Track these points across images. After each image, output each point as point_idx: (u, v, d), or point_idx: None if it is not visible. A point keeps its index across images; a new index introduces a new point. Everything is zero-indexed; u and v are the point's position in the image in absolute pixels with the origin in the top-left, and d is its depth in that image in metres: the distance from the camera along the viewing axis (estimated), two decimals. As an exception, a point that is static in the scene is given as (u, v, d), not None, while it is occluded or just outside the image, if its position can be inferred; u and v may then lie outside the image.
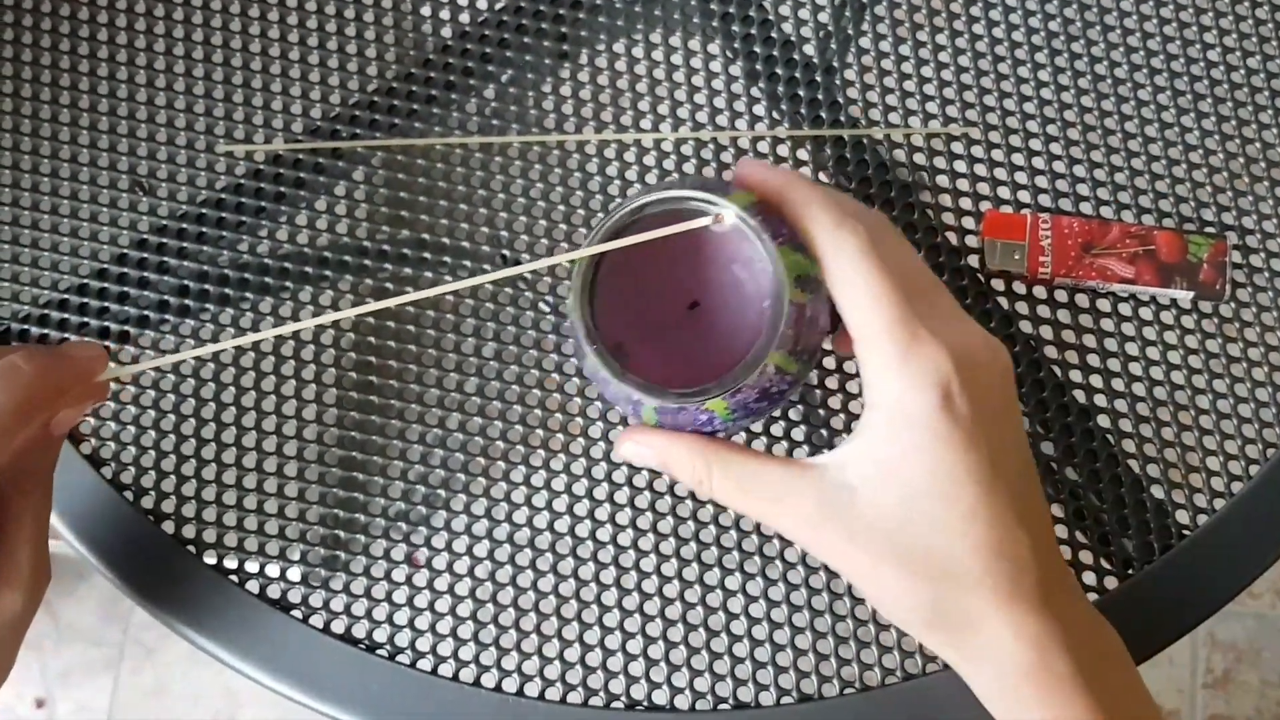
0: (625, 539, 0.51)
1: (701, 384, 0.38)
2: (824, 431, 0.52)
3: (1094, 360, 0.52)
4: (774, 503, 0.38)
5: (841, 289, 0.37)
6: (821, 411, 0.52)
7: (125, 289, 0.53)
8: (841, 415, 0.52)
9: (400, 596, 0.51)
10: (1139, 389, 0.52)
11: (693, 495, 0.51)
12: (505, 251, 0.54)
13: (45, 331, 0.53)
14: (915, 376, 0.36)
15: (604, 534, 0.51)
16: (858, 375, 0.53)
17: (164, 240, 0.54)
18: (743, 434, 0.52)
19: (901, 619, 0.39)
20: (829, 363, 0.52)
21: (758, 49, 0.56)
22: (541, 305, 0.53)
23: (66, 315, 0.53)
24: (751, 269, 0.40)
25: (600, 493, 0.51)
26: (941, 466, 0.36)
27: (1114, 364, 0.52)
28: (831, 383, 0.52)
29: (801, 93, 0.55)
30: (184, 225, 0.54)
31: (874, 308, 0.36)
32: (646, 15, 0.56)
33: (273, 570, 0.51)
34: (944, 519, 0.36)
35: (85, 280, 0.54)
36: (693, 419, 0.38)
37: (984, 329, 0.39)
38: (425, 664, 0.50)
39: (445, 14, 0.57)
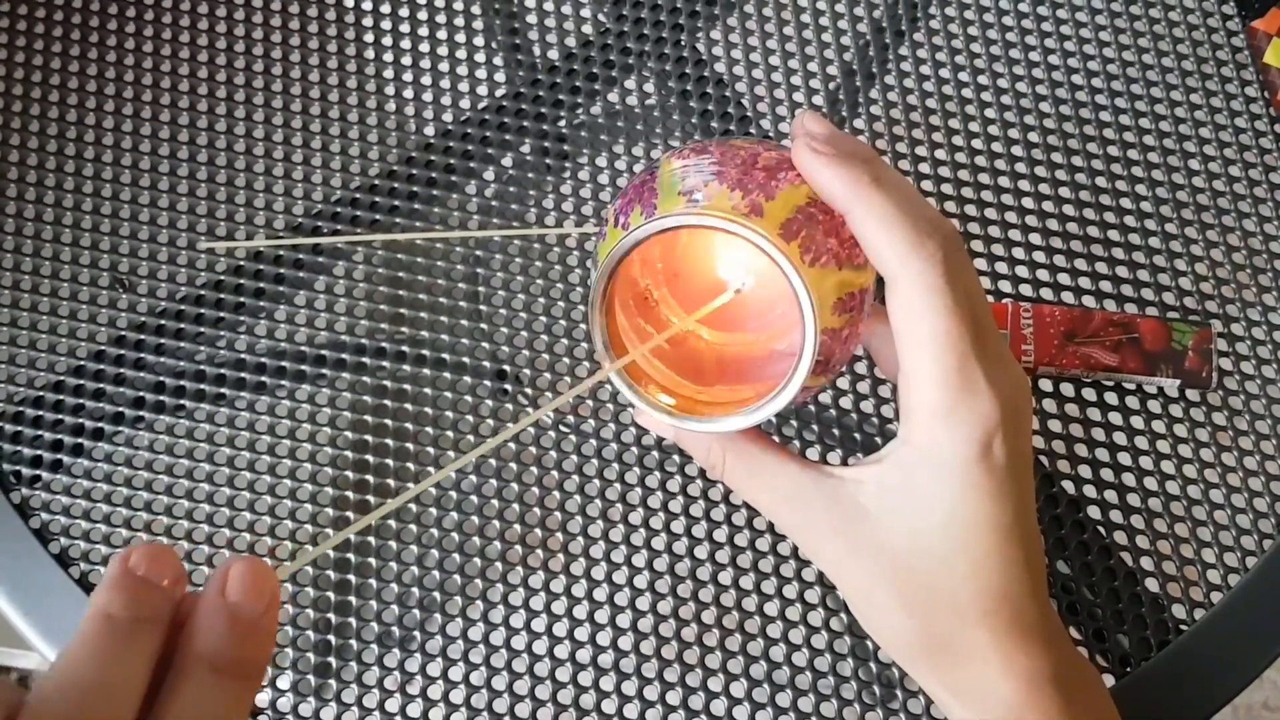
0: (623, 643, 0.49)
1: (726, 391, 0.36)
2: (857, 435, 0.51)
3: (1082, 450, 0.51)
4: (782, 500, 0.37)
5: (904, 323, 0.34)
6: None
7: (102, 386, 0.53)
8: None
9: (392, 706, 0.49)
10: (1129, 479, 0.51)
11: (695, 596, 0.50)
12: (504, 367, 0.53)
13: (19, 429, 0.52)
14: (960, 427, 0.34)
15: (604, 638, 0.49)
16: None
17: (143, 337, 0.54)
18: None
19: (889, 642, 0.37)
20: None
21: (737, 144, 0.56)
22: (541, 422, 0.53)
23: (41, 413, 0.53)
24: (782, 285, 0.36)
25: (600, 595, 0.50)
26: (964, 513, 0.35)
27: (1102, 454, 0.51)
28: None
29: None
30: (163, 322, 0.54)
31: (934, 352, 0.34)
32: (627, 114, 0.57)
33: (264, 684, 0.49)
34: (954, 561, 0.35)
35: (61, 377, 0.53)
36: None
37: (1020, 368, 0.37)
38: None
39: (429, 113, 0.57)
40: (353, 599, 0.50)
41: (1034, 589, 0.37)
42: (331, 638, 0.50)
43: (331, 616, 0.50)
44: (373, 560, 0.51)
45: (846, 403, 0.52)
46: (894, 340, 0.35)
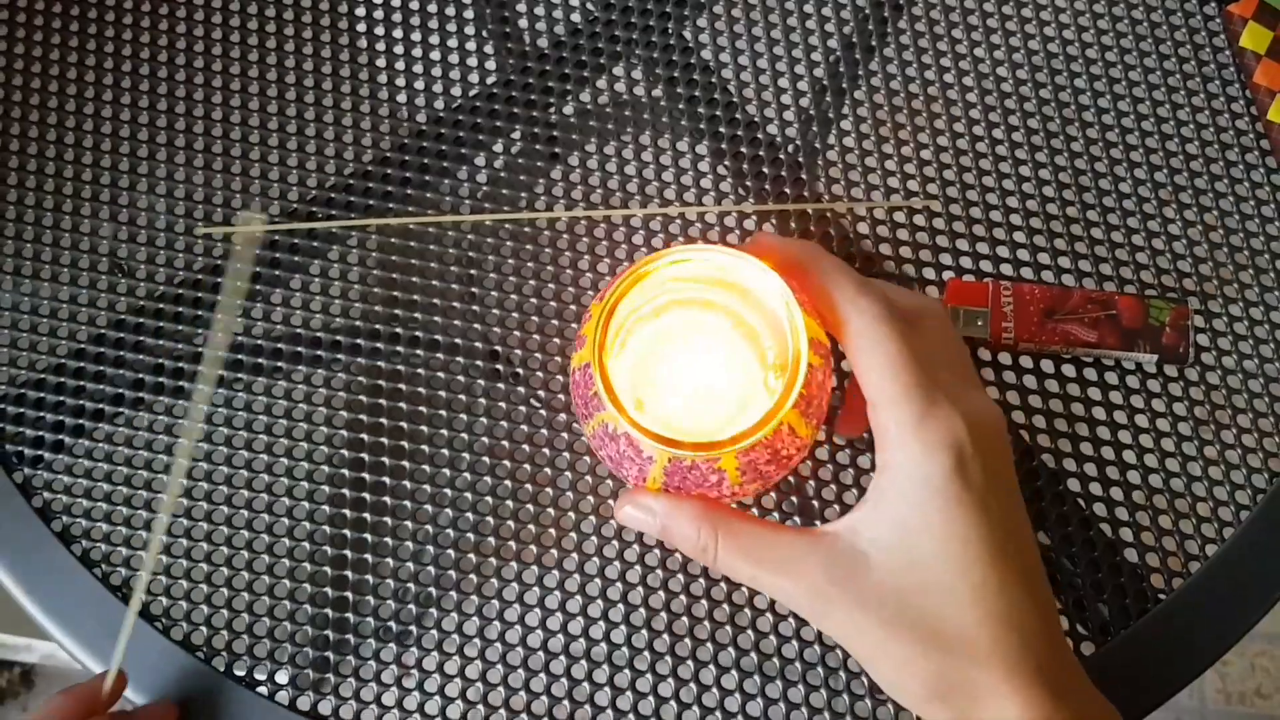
0: (619, 637, 0.50)
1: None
2: (817, 522, 0.52)
3: (1062, 424, 0.52)
4: (782, 572, 0.38)
5: (861, 353, 0.37)
6: (815, 504, 0.52)
7: (102, 368, 0.54)
8: (835, 506, 0.52)
9: (390, 699, 0.50)
10: (1108, 452, 0.52)
11: (687, 590, 0.51)
12: (496, 348, 0.55)
13: (21, 410, 0.53)
14: (931, 440, 0.36)
15: (596, 631, 0.50)
16: (850, 465, 0.53)
17: (141, 321, 0.55)
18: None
19: (902, 690, 0.37)
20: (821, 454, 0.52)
21: (723, 129, 0.57)
22: (533, 401, 0.54)
23: (43, 395, 0.54)
24: (768, 331, 0.39)
25: (593, 589, 0.51)
26: (955, 532, 0.36)
27: (1082, 428, 0.52)
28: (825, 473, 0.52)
29: (766, 170, 0.57)
30: (162, 306, 0.55)
31: (893, 372, 0.37)
32: (614, 100, 0.58)
33: (262, 674, 0.50)
34: (956, 587, 0.36)
35: (63, 360, 0.54)
36: (702, 478, 0.37)
37: (991, 400, 0.39)
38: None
39: (421, 100, 0.58)
40: (349, 594, 0.51)
41: (1040, 616, 0.37)
42: (329, 632, 0.51)
43: (329, 612, 0.51)
44: (368, 557, 0.52)
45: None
46: (862, 382, 0.38)
